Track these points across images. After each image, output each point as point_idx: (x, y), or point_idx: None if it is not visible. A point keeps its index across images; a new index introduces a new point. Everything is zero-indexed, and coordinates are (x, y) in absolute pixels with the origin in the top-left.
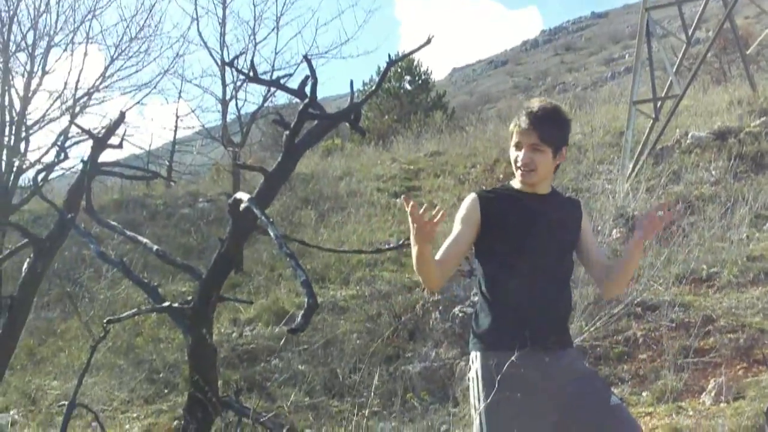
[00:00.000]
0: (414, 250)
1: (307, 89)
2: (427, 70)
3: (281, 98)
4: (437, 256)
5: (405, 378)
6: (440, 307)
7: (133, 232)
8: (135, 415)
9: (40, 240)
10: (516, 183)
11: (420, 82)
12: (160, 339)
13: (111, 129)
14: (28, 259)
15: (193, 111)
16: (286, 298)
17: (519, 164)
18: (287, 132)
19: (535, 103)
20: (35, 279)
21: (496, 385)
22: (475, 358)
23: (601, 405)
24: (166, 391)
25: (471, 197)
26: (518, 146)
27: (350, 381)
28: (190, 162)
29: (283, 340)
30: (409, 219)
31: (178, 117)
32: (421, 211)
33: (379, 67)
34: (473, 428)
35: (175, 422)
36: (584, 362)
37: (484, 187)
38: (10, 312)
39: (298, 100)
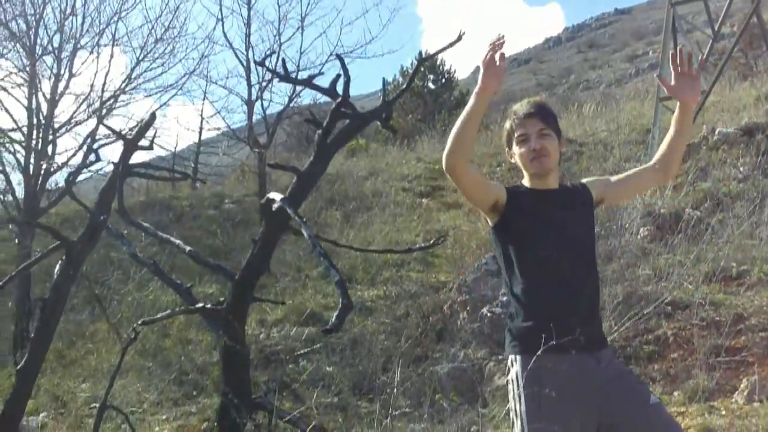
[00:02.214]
0: (472, 100)
1: (339, 88)
2: (451, 68)
3: (306, 98)
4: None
5: (433, 379)
6: (468, 308)
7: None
8: (164, 417)
9: (72, 242)
10: (526, 182)
11: (443, 80)
12: (188, 341)
13: (141, 131)
14: (59, 262)
15: (218, 112)
16: (313, 299)
17: (531, 153)
18: (319, 131)
19: (524, 101)
20: (67, 281)
21: (536, 388)
22: (514, 361)
23: (642, 405)
24: (195, 393)
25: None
26: (525, 138)
27: (379, 382)
28: (216, 163)
29: (302, 338)
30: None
31: (203, 118)
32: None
33: (402, 66)
34: (513, 431)
35: (205, 424)
36: (618, 361)
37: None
38: (42, 314)
39: (323, 100)
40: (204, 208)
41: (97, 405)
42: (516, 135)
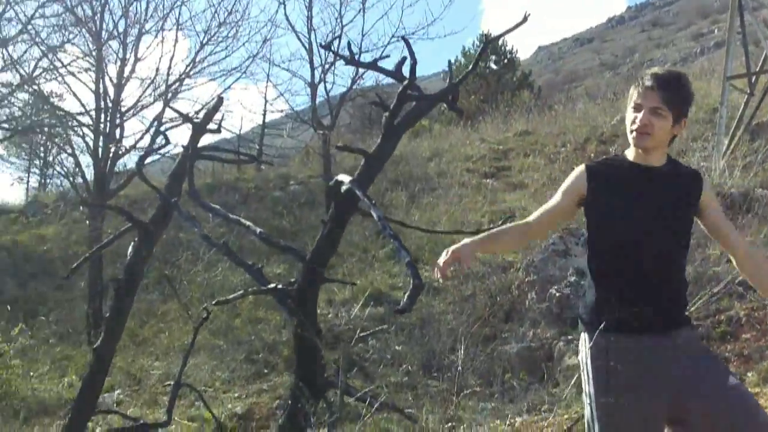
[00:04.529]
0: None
1: (405, 70)
2: (512, 49)
3: (368, 80)
4: (531, 217)
5: (502, 358)
6: (536, 288)
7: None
8: (236, 395)
9: (144, 224)
10: (630, 153)
11: (505, 61)
12: (258, 320)
13: (209, 114)
14: (132, 243)
15: (281, 94)
16: (381, 279)
17: (635, 126)
18: (386, 114)
19: (661, 68)
20: (140, 262)
21: (604, 364)
22: (584, 340)
23: (720, 385)
24: (266, 371)
25: (579, 169)
26: (637, 108)
27: (447, 361)
28: (280, 145)
29: (370, 318)
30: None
31: (266, 101)
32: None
33: (464, 47)
34: (585, 411)
35: (276, 402)
36: (700, 342)
37: (592, 161)
38: (117, 295)
39: (385, 82)
40: (269, 189)
41: (171, 382)
42: (632, 101)
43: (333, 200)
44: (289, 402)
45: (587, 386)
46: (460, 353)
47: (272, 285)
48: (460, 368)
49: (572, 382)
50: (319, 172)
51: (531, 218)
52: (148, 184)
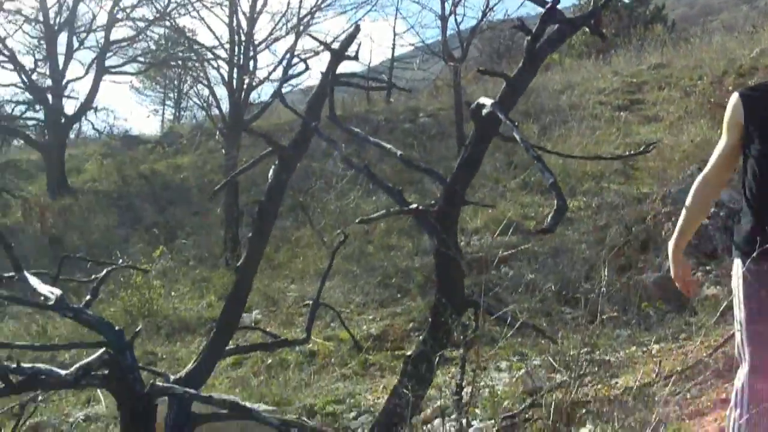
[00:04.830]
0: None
1: None
2: None
3: (498, 13)
4: (705, 170)
5: (639, 287)
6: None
7: (357, 147)
8: (371, 317)
9: (284, 147)
10: None
11: None
12: (390, 247)
13: (347, 41)
14: (272, 167)
15: (411, 27)
16: (512, 209)
17: None
18: (528, 38)
19: None
20: (281, 186)
21: (755, 290)
22: (738, 266)
23: None
24: (399, 295)
25: (733, 98)
26: None
27: (582, 289)
28: (409, 77)
29: (502, 246)
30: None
31: (396, 34)
32: None
33: None
34: (735, 337)
35: (411, 324)
36: None
37: (744, 88)
38: (258, 217)
39: (514, 15)
40: (399, 121)
41: (309, 301)
42: None
43: (474, 124)
44: (430, 319)
45: (738, 312)
46: (594, 282)
47: (414, 205)
48: (595, 295)
49: (712, 312)
50: (449, 105)
51: (705, 171)
52: (287, 107)
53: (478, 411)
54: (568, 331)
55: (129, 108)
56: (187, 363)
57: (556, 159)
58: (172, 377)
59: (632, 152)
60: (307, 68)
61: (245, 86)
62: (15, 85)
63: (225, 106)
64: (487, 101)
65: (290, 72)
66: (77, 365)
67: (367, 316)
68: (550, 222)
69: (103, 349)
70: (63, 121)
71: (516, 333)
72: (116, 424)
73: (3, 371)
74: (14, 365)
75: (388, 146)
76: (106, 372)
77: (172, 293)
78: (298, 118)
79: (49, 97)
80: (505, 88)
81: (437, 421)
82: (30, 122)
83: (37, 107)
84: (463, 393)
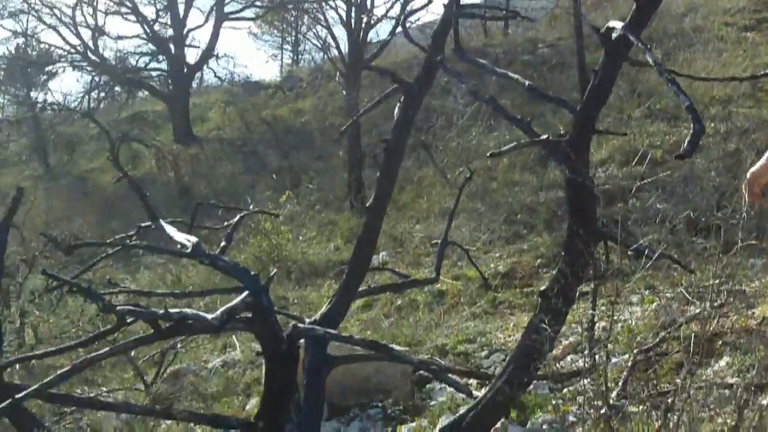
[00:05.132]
0: None
1: None
2: None
3: None
4: None
5: None
6: None
7: (477, 81)
8: (498, 254)
9: (409, 83)
10: None
11: None
12: (514, 183)
13: None
14: (398, 104)
15: None
16: (637, 138)
17: None
18: None
19: None
20: (407, 123)
21: None
22: None
23: None
24: (525, 231)
25: None
26: None
27: (714, 219)
28: (527, 7)
29: (628, 177)
30: None
31: None
32: None
33: None
34: None
35: (538, 261)
36: None
37: None
38: (386, 156)
39: None
40: (518, 53)
41: (437, 241)
42: None
43: (604, 48)
44: (563, 252)
45: None
46: (727, 210)
47: (544, 136)
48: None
49: None
50: (569, 34)
51: None
52: (412, 41)
53: (610, 346)
54: (701, 262)
55: (248, 54)
56: (317, 306)
57: (681, 83)
58: (307, 320)
59: (764, 72)
60: (430, 1)
61: (364, 25)
62: (138, 36)
63: (344, 46)
64: (618, 24)
65: (409, 7)
66: (222, 309)
67: (494, 254)
68: (687, 147)
69: (246, 293)
70: (185, 70)
71: (659, 259)
72: (253, 369)
73: (152, 316)
74: (162, 311)
75: (516, 76)
76: (249, 315)
77: (300, 238)
78: (417, 55)
79: (171, 46)
80: (634, 11)
81: (569, 358)
82: (154, 73)
83: (160, 58)
84: (595, 328)
